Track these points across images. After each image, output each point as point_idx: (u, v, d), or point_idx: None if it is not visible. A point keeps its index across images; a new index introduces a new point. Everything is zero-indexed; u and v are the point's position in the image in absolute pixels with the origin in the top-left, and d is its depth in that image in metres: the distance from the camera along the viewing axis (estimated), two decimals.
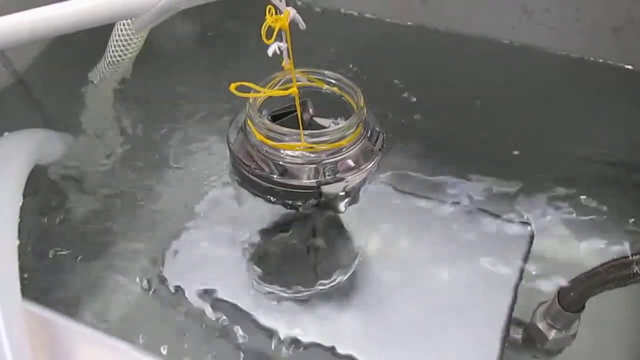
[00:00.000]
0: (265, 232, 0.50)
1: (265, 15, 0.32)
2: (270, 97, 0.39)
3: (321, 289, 0.46)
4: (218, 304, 0.46)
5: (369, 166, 0.40)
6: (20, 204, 0.37)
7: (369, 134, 0.40)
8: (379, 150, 0.40)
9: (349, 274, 0.47)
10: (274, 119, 0.39)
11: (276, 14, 0.32)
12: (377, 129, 0.41)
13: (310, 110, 0.41)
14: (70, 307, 0.46)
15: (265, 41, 0.32)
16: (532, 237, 0.49)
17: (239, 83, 0.34)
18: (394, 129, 0.57)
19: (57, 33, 0.38)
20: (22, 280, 0.32)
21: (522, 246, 0.48)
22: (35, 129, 0.51)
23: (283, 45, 0.34)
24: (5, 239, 0.34)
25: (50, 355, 0.31)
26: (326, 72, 0.41)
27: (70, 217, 0.52)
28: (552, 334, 0.42)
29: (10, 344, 0.29)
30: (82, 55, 0.64)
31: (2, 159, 0.41)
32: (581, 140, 0.58)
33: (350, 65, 0.64)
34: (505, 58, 0.66)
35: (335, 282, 0.47)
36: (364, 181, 0.41)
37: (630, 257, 0.34)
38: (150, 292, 0.47)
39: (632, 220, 0.50)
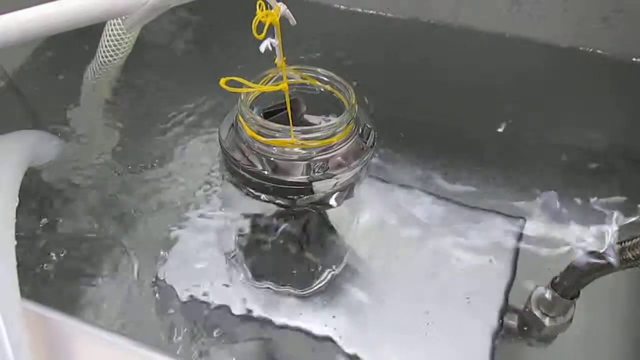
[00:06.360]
0: (255, 230, 0.50)
1: (256, 10, 0.32)
2: (263, 94, 0.39)
3: (312, 286, 0.46)
4: (210, 303, 0.46)
5: (359, 163, 0.40)
6: (17, 204, 0.37)
7: (360, 131, 0.40)
8: (370, 147, 0.40)
9: (339, 270, 0.48)
10: (267, 115, 0.39)
11: (267, 9, 0.32)
12: (369, 126, 0.41)
13: (303, 108, 0.41)
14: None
15: (256, 36, 0.32)
16: (522, 228, 0.50)
17: (229, 78, 0.34)
18: (382, 121, 0.57)
19: (48, 33, 0.38)
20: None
21: (513, 238, 0.49)
22: (28, 130, 0.51)
23: (275, 41, 0.34)
24: (3, 240, 0.34)
25: (50, 352, 0.31)
26: (319, 69, 0.41)
27: (64, 219, 0.52)
28: (547, 321, 0.42)
29: (11, 342, 0.29)
30: (73, 56, 0.64)
31: None
32: (572, 129, 0.58)
33: (338, 58, 0.65)
34: (495, 49, 0.66)
35: (326, 279, 0.47)
36: (356, 178, 0.41)
37: (623, 244, 0.35)
38: (145, 291, 0.47)
39: (623, 207, 0.50)
